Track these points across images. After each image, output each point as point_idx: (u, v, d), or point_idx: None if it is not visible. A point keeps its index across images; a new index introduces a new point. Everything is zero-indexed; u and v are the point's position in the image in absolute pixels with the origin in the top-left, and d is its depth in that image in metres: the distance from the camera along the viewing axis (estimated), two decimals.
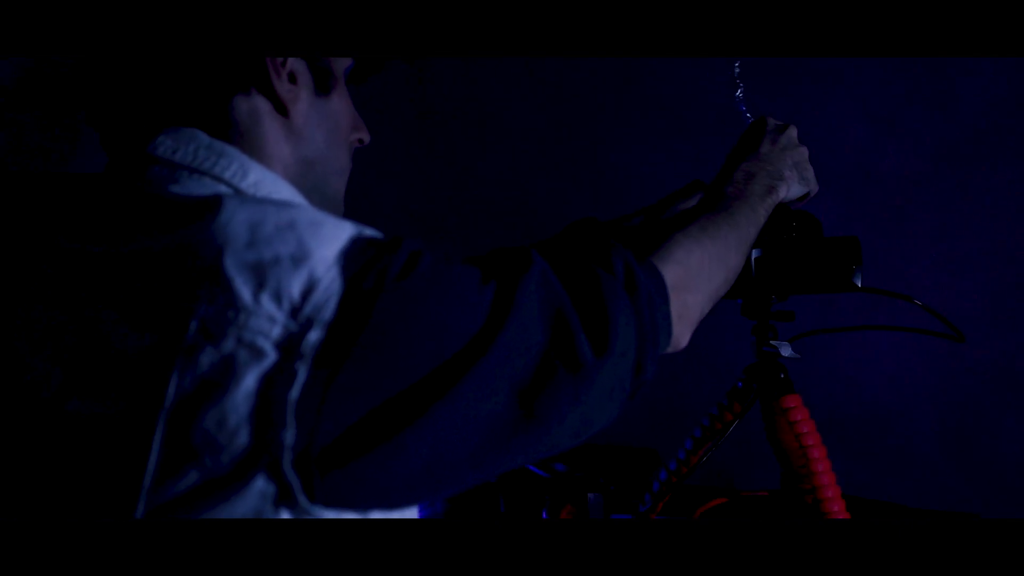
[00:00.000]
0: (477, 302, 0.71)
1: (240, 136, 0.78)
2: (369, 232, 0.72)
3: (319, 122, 0.83)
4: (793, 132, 1.10)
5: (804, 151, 1.10)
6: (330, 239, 0.68)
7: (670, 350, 0.87)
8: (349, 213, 1.85)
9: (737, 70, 1.16)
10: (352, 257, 0.68)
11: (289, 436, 0.63)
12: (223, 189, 0.74)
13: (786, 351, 1.15)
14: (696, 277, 0.88)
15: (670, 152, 1.92)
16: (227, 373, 0.64)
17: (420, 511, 0.82)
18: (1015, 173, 1.71)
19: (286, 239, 0.67)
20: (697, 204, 0.99)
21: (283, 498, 0.64)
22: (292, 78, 0.81)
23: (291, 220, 0.68)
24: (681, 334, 0.87)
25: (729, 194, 0.99)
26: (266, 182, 0.77)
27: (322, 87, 0.84)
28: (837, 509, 1.13)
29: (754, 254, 1.12)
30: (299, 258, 0.66)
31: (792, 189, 1.06)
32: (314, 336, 0.65)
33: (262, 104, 0.79)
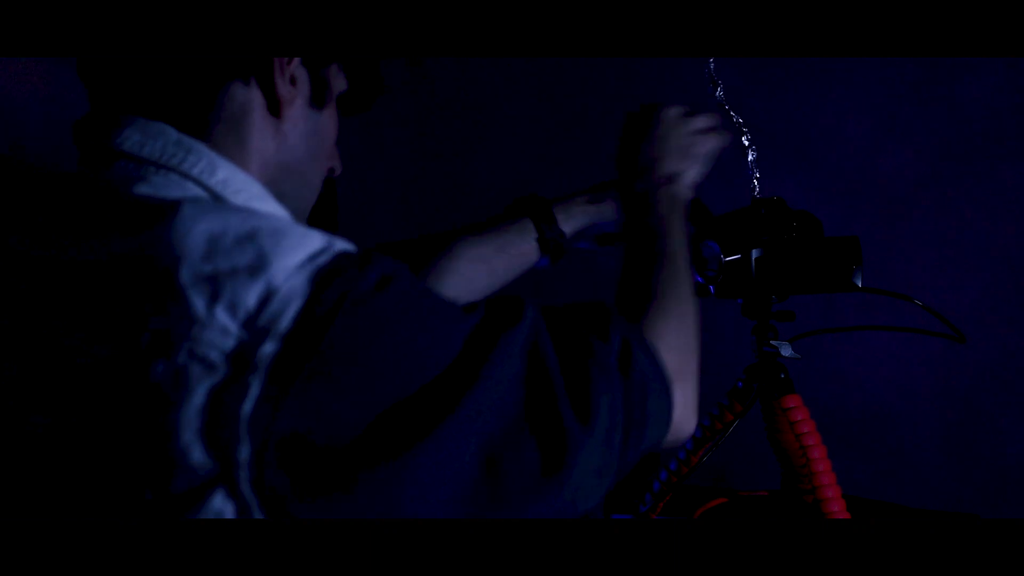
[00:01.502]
0: (451, 340, 0.68)
1: (225, 123, 0.76)
2: (340, 245, 0.69)
3: (307, 132, 0.81)
4: (671, 113, 1.05)
5: (686, 127, 1.04)
6: (293, 248, 0.66)
7: (672, 440, 0.81)
8: (349, 215, 1.85)
9: (712, 67, 1.15)
10: (316, 268, 0.66)
11: (244, 452, 0.62)
12: (191, 187, 0.73)
13: (786, 351, 1.15)
14: (691, 358, 0.86)
15: None
16: (179, 387, 0.62)
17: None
18: (1015, 173, 1.71)
19: (245, 249, 0.65)
20: (633, 258, 0.94)
21: (241, 516, 0.63)
22: (292, 80, 0.79)
23: (253, 229, 0.66)
24: (687, 422, 0.82)
25: (670, 241, 0.94)
26: (235, 180, 0.75)
27: (318, 100, 0.82)
28: (837, 509, 1.13)
29: (754, 254, 1.12)
30: (257, 267, 0.65)
31: (688, 177, 1.02)
32: (268, 348, 0.63)
33: (257, 97, 0.77)
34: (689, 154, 1.03)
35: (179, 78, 0.75)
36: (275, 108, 0.78)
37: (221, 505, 0.62)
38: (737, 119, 1.16)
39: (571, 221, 1.16)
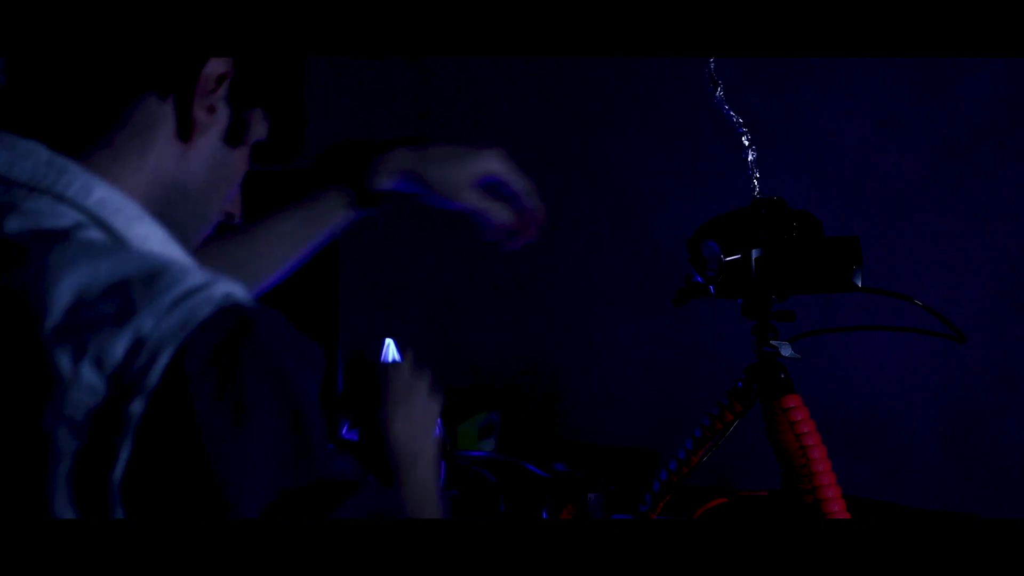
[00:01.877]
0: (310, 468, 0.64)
1: (130, 132, 0.72)
2: (222, 287, 0.64)
3: (213, 165, 0.77)
4: (424, 387, 0.99)
5: (433, 403, 0.99)
6: (166, 287, 0.62)
7: None
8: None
9: (712, 67, 1.15)
10: (190, 311, 0.61)
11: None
12: (64, 210, 0.68)
13: (786, 351, 1.15)
14: None
15: (670, 152, 1.92)
16: (46, 452, 0.58)
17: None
18: (1015, 173, 1.71)
19: (112, 297, 0.61)
20: None
21: None
22: (211, 109, 0.74)
23: (123, 277, 0.62)
24: None
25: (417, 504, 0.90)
26: (112, 200, 0.70)
27: (232, 138, 0.77)
28: (837, 509, 1.13)
29: (754, 254, 1.12)
30: (124, 315, 0.60)
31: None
32: (137, 406, 0.59)
33: (169, 114, 0.73)
34: (428, 429, 0.97)
35: (92, 82, 0.71)
36: (186, 131, 0.74)
37: None
38: (737, 119, 1.16)
39: (388, 169, 1.10)
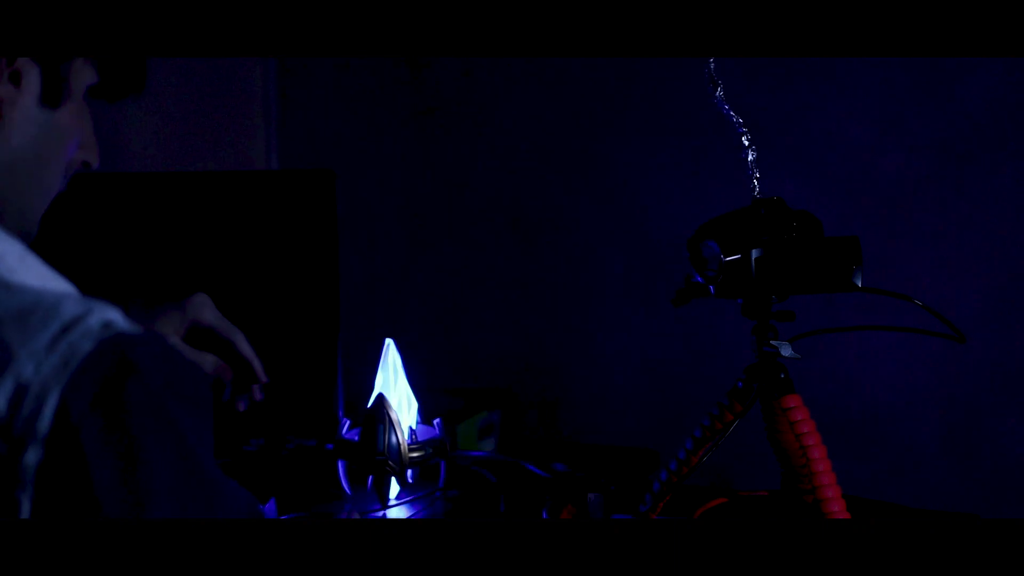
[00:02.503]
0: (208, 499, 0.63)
1: None
2: (98, 315, 0.61)
3: (35, 134, 0.73)
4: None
5: None
6: (41, 328, 0.58)
7: None
8: (348, 215, 1.85)
9: (712, 67, 1.15)
10: (70, 348, 0.58)
11: None
12: None
13: (786, 351, 1.15)
14: None
15: (670, 152, 1.92)
16: None
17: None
18: (1015, 173, 1.71)
19: None
20: None
21: None
22: (15, 78, 0.70)
23: None
24: None
25: None
26: None
27: (51, 99, 0.73)
28: (837, 509, 1.13)
29: (754, 254, 1.12)
30: (3, 362, 0.57)
31: None
32: (32, 457, 0.56)
33: None
34: None
35: None
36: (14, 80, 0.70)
37: None
38: (737, 119, 1.16)
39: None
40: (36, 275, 0.68)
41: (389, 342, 1.46)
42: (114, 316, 0.62)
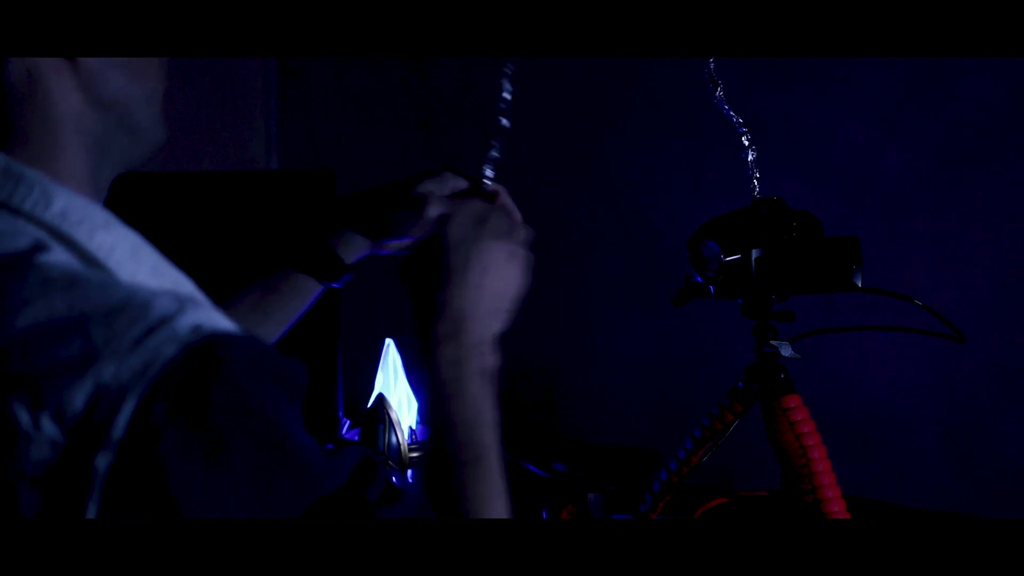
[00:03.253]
0: (298, 498, 0.61)
1: (20, 103, 0.66)
2: (190, 318, 0.59)
3: (110, 64, 0.70)
4: (516, 238, 0.85)
5: (518, 265, 0.84)
6: (126, 329, 0.57)
7: None
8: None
9: (712, 67, 1.15)
10: (154, 351, 0.57)
11: None
12: (22, 225, 0.63)
13: (786, 351, 1.15)
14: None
15: (670, 152, 1.92)
16: (11, 512, 0.55)
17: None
18: (1015, 173, 1.71)
19: (70, 340, 0.56)
20: (447, 452, 0.77)
21: None
22: None
23: (81, 315, 0.57)
24: None
25: (465, 417, 0.77)
26: (74, 209, 0.65)
27: None
28: (837, 509, 1.13)
29: (754, 254, 1.12)
30: (85, 360, 0.56)
31: (498, 331, 0.84)
32: (102, 461, 0.55)
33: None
34: (504, 302, 0.84)
35: None
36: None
37: None
38: (737, 119, 1.16)
39: (352, 249, 1.06)
40: (147, 268, 0.67)
41: (389, 342, 1.46)
42: (206, 317, 0.60)
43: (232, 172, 1.99)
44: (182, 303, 0.60)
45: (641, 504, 1.25)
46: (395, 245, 1.06)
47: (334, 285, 1.06)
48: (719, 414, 1.20)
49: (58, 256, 0.63)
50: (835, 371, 1.78)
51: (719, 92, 1.16)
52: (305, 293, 1.06)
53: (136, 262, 0.67)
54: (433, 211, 0.89)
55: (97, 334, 0.57)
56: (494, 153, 0.99)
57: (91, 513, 0.55)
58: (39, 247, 0.63)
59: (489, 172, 0.96)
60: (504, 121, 0.96)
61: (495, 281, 0.81)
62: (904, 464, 1.80)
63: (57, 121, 0.67)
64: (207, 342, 0.58)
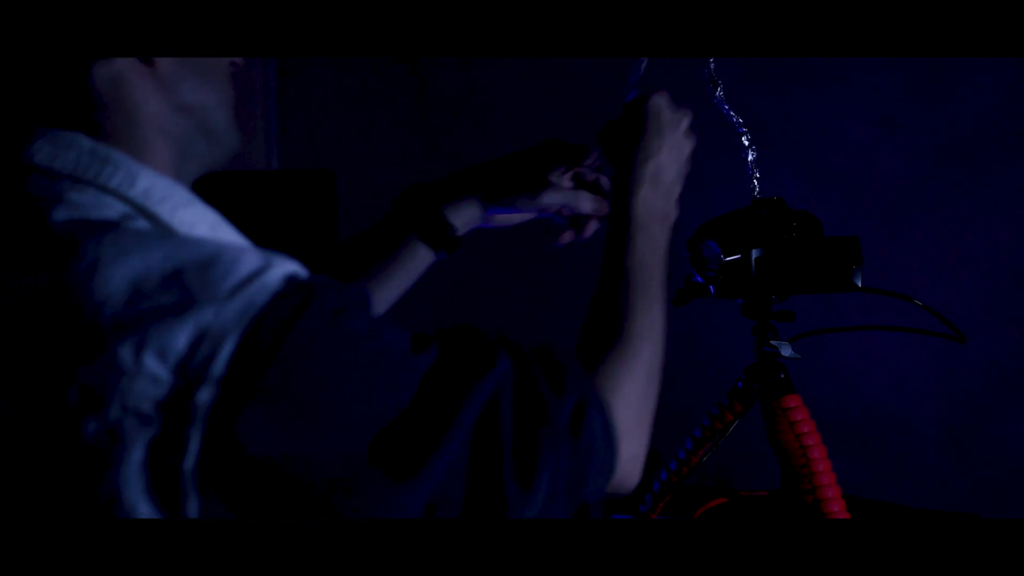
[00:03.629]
0: (402, 383, 0.65)
1: (106, 107, 0.70)
2: (279, 268, 0.64)
3: (187, 62, 0.75)
4: (685, 125, 0.99)
5: (689, 147, 1.00)
6: (223, 278, 0.62)
7: (613, 491, 0.79)
8: (349, 215, 1.85)
9: (712, 67, 1.15)
10: (249, 298, 0.62)
11: (192, 507, 0.59)
12: (110, 201, 0.68)
13: (786, 351, 1.15)
14: (646, 411, 0.82)
15: None
16: (115, 444, 0.59)
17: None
18: (1015, 173, 1.71)
19: (170, 287, 0.61)
20: (613, 264, 0.88)
21: None
22: None
23: (178, 265, 0.62)
24: (629, 476, 0.79)
25: (643, 250, 0.88)
26: (158, 188, 0.70)
27: None
28: (837, 509, 1.13)
29: (754, 254, 1.12)
30: (185, 305, 0.60)
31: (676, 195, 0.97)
32: (204, 395, 0.59)
33: (123, 64, 0.71)
34: (684, 165, 0.98)
35: (47, 76, 0.70)
36: (145, 59, 0.72)
37: None
38: (737, 119, 1.16)
39: (464, 219, 1.09)
40: (212, 232, 0.72)
41: None
42: (291, 267, 0.65)
43: (232, 172, 1.99)
44: (268, 258, 0.65)
45: (641, 504, 1.25)
46: (505, 218, 1.11)
47: (443, 257, 1.10)
48: (719, 414, 1.20)
49: (145, 225, 0.68)
50: (835, 371, 1.78)
51: (719, 92, 1.16)
52: (421, 263, 1.09)
53: (216, 236, 0.72)
54: (548, 199, 1.04)
55: (193, 283, 0.61)
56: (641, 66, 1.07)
57: (194, 443, 0.59)
58: (127, 217, 0.68)
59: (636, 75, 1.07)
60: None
61: (680, 150, 0.97)
62: (904, 464, 1.80)
63: (142, 123, 0.72)
64: (295, 285, 0.64)
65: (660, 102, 0.98)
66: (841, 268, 1.13)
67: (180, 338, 0.60)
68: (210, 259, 0.63)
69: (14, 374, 0.61)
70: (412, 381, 0.66)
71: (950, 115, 1.74)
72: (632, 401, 0.80)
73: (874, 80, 1.78)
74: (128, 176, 0.69)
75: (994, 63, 1.69)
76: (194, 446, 0.59)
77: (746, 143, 1.17)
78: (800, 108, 1.83)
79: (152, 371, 0.60)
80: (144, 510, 0.59)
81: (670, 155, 0.95)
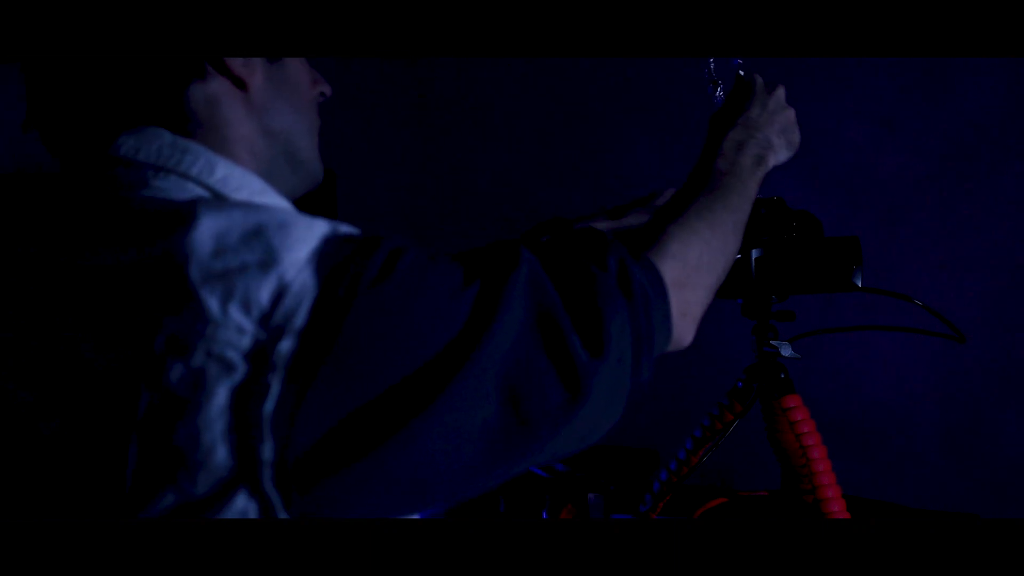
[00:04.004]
0: (459, 305, 0.69)
1: (200, 125, 0.76)
2: (345, 230, 0.69)
3: (278, 89, 0.80)
4: (782, 93, 1.07)
5: (791, 113, 1.08)
6: (300, 240, 0.66)
7: (672, 349, 0.85)
8: (348, 212, 1.86)
9: (712, 66, 1.15)
10: (325, 259, 0.66)
11: (267, 451, 0.62)
12: (191, 187, 0.73)
13: (786, 351, 1.15)
14: (696, 271, 0.86)
15: (670, 152, 1.92)
16: (198, 389, 0.62)
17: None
18: (1015, 173, 1.71)
19: (253, 246, 0.65)
20: (688, 184, 0.95)
21: (264, 515, 0.63)
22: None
23: (258, 225, 0.66)
24: (684, 332, 0.84)
25: (720, 170, 0.95)
26: (234, 176, 0.75)
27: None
28: (837, 509, 1.13)
29: (754, 254, 1.12)
30: (267, 263, 0.64)
31: (779, 156, 1.04)
32: (286, 345, 0.63)
33: (219, 86, 0.76)
34: (789, 139, 1.06)
35: (143, 89, 0.74)
36: (240, 84, 0.77)
37: (244, 504, 0.62)
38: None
39: None
40: None
41: None
42: (356, 232, 0.69)
43: None
44: (335, 223, 0.69)
45: (641, 504, 1.25)
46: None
47: None
48: (719, 414, 1.20)
49: None
50: (835, 371, 1.78)
51: (719, 92, 1.16)
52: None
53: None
54: (661, 202, 1.10)
55: (275, 242, 0.65)
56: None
57: (274, 390, 0.62)
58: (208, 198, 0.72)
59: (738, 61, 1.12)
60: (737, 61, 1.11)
61: (778, 112, 1.06)
62: (904, 464, 1.80)
63: (233, 143, 0.77)
64: (362, 242, 0.68)
65: (752, 78, 1.08)
66: (841, 268, 1.13)
67: (264, 293, 0.64)
68: (287, 221, 0.67)
69: (102, 325, 0.64)
70: (468, 300, 0.69)
71: (950, 115, 1.74)
72: (680, 257, 0.84)
73: (874, 80, 1.78)
74: (208, 165, 0.74)
75: (994, 63, 1.69)
76: (275, 391, 0.62)
77: None
78: (800, 108, 1.83)
79: (237, 321, 0.63)
80: (221, 452, 0.62)
81: (763, 111, 1.04)
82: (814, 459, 1.14)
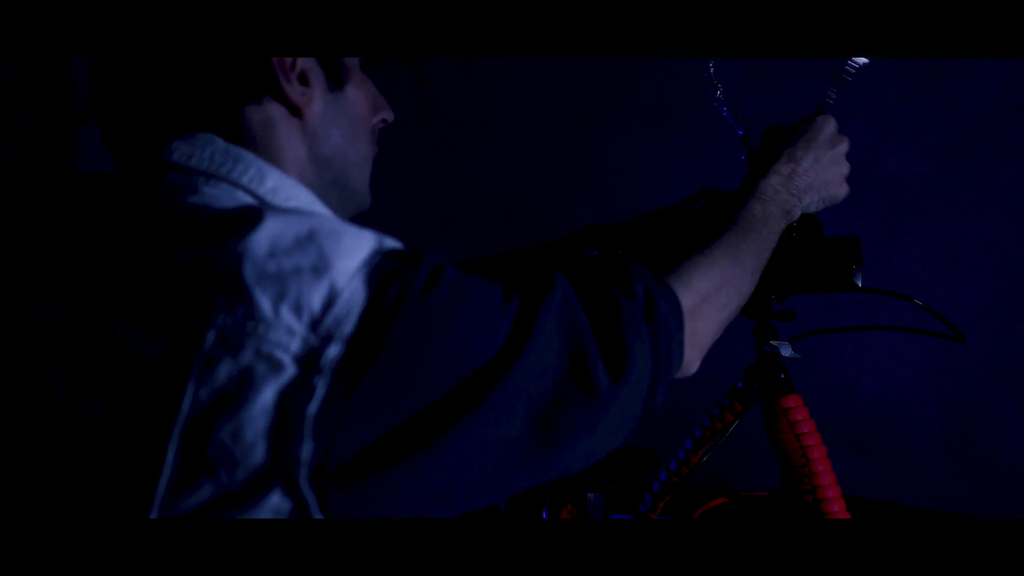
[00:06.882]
0: (499, 322, 0.70)
1: (254, 143, 0.77)
2: (390, 243, 0.70)
3: (335, 118, 0.82)
4: (844, 148, 1.10)
5: (844, 170, 1.10)
6: (351, 250, 0.67)
7: (679, 376, 0.86)
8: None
9: (712, 70, 1.15)
10: (374, 269, 0.67)
11: (306, 452, 0.63)
12: (241, 195, 0.73)
13: (786, 351, 1.15)
14: (712, 304, 0.88)
15: (670, 152, 1.92)
16: (244, 385, 0.63)
17: None
18: (1015, 173, 1.71)
19: (307, 250, 0.66)
20: (721, 214, 0.97)
21: (298, 515, 0.63)
22: (303, 79, 0.79)
23: (311, 230, 0.67)
24: (691, 361, 0.87)
25: (754, 213, 0.98)
26: (284, 187, 0.76)
27: (335, 81, 0.82)
28: (837, 509, 1.13)
29: None
30: (320, 269, 0.66)
31: (809, 208, 1.07)
32: (334, 351, 0.64)
33: (275, 110, 0.78)
34: (828, 195, 1.07)
35: (201, 105, 0.76)
36: (296, 111, 0.79)
37: (279, 502, 0.63)
38: (737, 120, 1.16)
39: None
40: None
41: None
42: (399, 245, 0.71)
43: None
44: (380, 236, 0.71)
45: (641, 504, 1.25)
46: None
47: None
48: (719, 414, 1.20)
49: None
50: (835, 371, 1.78)
51: (719, 94, 1.16)
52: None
53: None
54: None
55: (327, 248, 0.66)
56: (832, 96, 1.14)
57: (319, 393, 0.63)
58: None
59: (832, 95, 1.13)
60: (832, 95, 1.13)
61: (825, 166, 1.06)
62: (904, 464, 1.80)
63: (285, 165, 0.78)
64: (408, 256, 0.70)
65: (826, 121, 1.09)
66: (841, 268, 1.13)
67: (315, 298, 0.65)
68: (338, 230, 0.68)
69: (154, 317, 0.65)
70: (508, 318, 0.71)
71: (950, 115, 1.74)
72: (700, 289, 0.86)
73: (874, 80, 1.78)
74: (259, 174, 0.75)
75: (994, 63, 1.69)
76: (319, 394, 0.63)
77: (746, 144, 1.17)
78: (800, 108, 1.83)
79: (287, 322, 0.64)
80: (260, 449, 0.63)
81: (814, 165, 1.05)
82: (814, 459, 1.13)
